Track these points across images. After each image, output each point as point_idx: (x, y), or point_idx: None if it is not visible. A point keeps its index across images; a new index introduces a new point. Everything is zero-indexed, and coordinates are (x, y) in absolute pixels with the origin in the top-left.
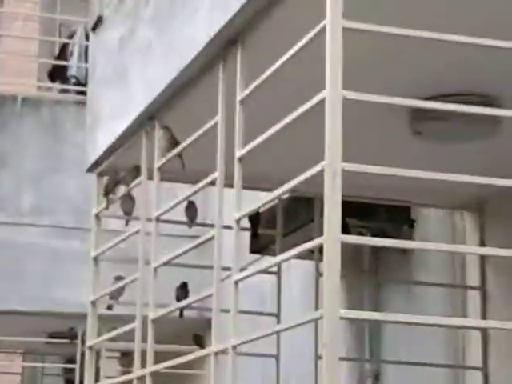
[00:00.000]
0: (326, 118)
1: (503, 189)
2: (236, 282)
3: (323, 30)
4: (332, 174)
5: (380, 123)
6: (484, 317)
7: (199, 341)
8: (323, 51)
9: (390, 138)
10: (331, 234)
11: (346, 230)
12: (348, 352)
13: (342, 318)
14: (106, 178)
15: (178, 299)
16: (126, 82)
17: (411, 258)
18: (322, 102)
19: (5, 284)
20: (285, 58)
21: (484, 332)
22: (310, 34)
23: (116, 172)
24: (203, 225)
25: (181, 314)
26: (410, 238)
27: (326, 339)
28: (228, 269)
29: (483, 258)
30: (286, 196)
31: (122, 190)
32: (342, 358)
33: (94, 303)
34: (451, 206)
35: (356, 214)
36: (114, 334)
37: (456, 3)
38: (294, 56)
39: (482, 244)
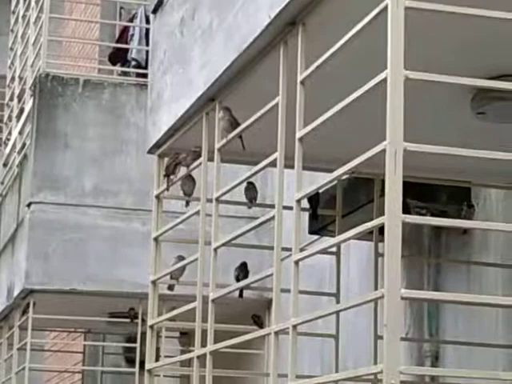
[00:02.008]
0: (388, 97)
1: None
2: (296, 262)
3: (385, 9)
4: (394, 153)
5: (443, 104)
6: None
7: (258, 321)
8: (385, 31)
9: (452, 119)
10: (392, 214)
11: (406, 210)
12: (408, 332)
13: (402, 298)
14: (166, 160)
15: (238, 279)
16: (187, 64)
17: (471, 239)
18: (383, 81)
19: (67, 264)
20: (347, 37)
21: None
22: (372, 14)
23: (177, 153)
24: (263, 205)
25: (240, 294)
26: (470, 218)
27: (386, 319)
28: (287, 249)
29: None
30: (346, 177)
31: (182, 171)
32: (402, 338)
33: (154, 283)
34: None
35: (416, 194)
36: (174, 313)
37: None
38: (356, 36)
39: None
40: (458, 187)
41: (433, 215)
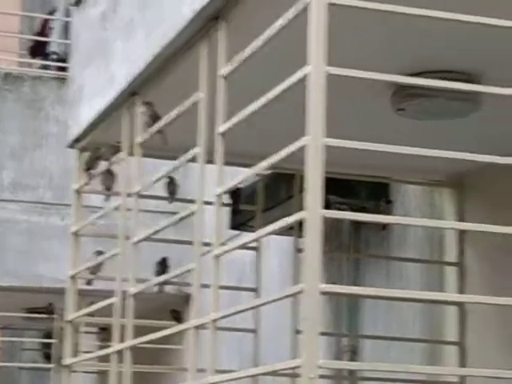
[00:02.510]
0: (309, 93)
1: (482, 165)
2: (216, 257)
3: (308, 5)
4: (314, 149)
5: (363, 100)
6: (461, 292)
7: (177, 316)
8: (307, 27)
9: (372, 115)
10: (313, 209)
11: (326, 206)
12: (326, 327)
13: (322, 293)
14: (86, 154)
15: (158, 274)
16: (108, 58)
17: (390, 234)
18: (305, 77)
19: None
20: (269, 33)
21: (461, 307)
22: (295, 10)
23: (97, 148)
24: (184, 200)
25: (160, 290)
26: (389, 214)
27: (305, 313)
28: (208, 244)
29: (461, 234)
30: (267, 172)
31: (102, 165)
32: (321, 333)
33: (73, 278)
34: (430, 183)
35: (336, 190)
36: (92, 308)
37: None
38: (279, 31)
39: (461, 220)
40: (378, 183)
41: (352, 211)
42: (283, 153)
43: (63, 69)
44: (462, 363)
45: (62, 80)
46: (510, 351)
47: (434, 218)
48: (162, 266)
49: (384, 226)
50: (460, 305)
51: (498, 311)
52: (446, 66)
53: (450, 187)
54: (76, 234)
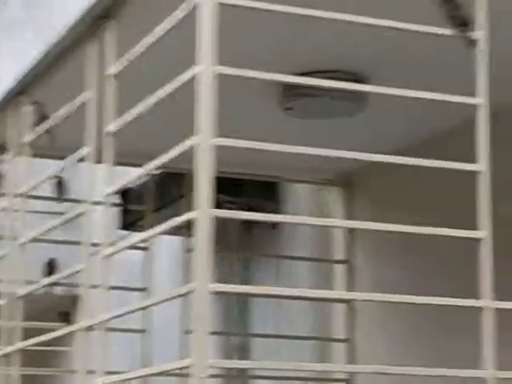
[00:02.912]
0: (199, 93)
1: (369, 164)
2: (105, 257)
3: (197, 4)
4: (204, 148)
5: (252, 99)
6: (350, 290)
7: (66, 318)
8: (197, 26)
9: (261, 114)
10: (202, 209)
11: (216, 205)
12: (217, 326)
13: (212, 292)
14: None
15: (46, 276)
16: None
17: (280, 233)
18: (194, 76)
19: None
20: (158, 31)
21: (350, 305)
22: (184, 8)
23: None
24: (73, 200)
25: (49, 291)
26: (278, 213)
27: (195, 313)
28: (97, 245)
29: (350, 232)
30: (157, 172)
31: None
32: (211, 332)
33: None
34: (319, 182)
35: (225, 189)
36: None
37: None
38: (168, 30)
39: (349, 218)
40: (267, 182)
41: (242, 210)
42: (173, 152)
43: None
44: (352, 360)
45: None
46: (398, 347)
47: (323, 216)
48: (50, 267)
49: (274, 225)
50: (349, 302)
51: (386, 308)
52: (334, 65)
53: (339, 186)
54: None
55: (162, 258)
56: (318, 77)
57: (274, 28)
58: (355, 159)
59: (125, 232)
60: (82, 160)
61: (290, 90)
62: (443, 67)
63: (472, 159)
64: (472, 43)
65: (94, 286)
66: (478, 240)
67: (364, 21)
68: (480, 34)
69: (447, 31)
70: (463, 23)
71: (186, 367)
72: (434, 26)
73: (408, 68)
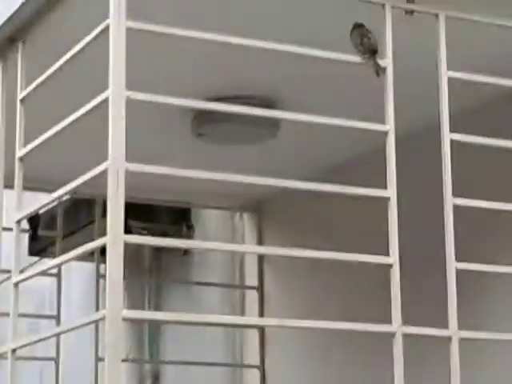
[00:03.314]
0: (110, 118)
1: (280, 190)
2: (15, 285)
3: (106, 29)
4: (115, 173)
5: (165, 124)
6: (261, 316)
7: None
8: (108, 50)
9: (173, 140)
10: (114, 234)
11: (128, 231)
12: (129, 353)
13: (124, 319)
14: None
15: None
16: None
17: (192, 259)
18: (105, 101)
19: None
20: (67, 56)
21: (261, 331)
22: (94, 33)
23: None
24: None
25: None
26: (190, 239)
27: (108, 340)
28: (7, 271)
29: (261, 259)
30: (68, 197)
31: None
32: (123, 360)
33: None
34: (231, 208)
35: (137, 215)
36: None
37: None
38: (78, 55)
39: (260, 244)
40: (179, 208)
41: (154, 236)
42: (85, 177)
43: None
44: None
45: None
46: (307, 371)
47: (235, 242)
48: None
49: (185, 251)
50: (260, 328)
51: (296, 333)
52: (246, 91)
53: (250, 212)
54: None
55: (73, 284)
56: (230, 102)
57: (185, 53)
58: (266, 185)
59: (35, 258)
60: None
61: (201, 115)
62: (354, 93)
63: (381, 185)
64: (380, 70)
65: (4, 314)
66: (387, 265)
67: (275, 47)
68: (387, 61)
69: (357, 58)
70: (371, 51)
71: None
72: (344, 54)
73: (319, 94)
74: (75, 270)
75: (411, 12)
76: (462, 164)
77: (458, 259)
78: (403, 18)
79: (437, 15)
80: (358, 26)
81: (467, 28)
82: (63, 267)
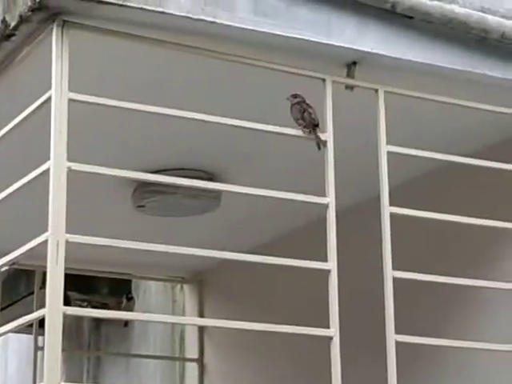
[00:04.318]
0: (50, 188)
1: (220, 261)
2: None
3: (49, 100)
4: (56, 244)
5: (106, 195)
6: None
7: None
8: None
9: (116, 211)
10: (53, 306)
11: (67, 302)
12: None
13: None
14: None
15: None
16: None
17: (131, 331)
18: (46, 172)
19: None
20: (9, 126)
21: None
22: (36, 104)
23: None
24: None
25: None
26: (130, 310)
27: None
28: None
29: (202, 331)
30: (6, 268)
31: None
32: None
33: None
34: (171, 279)
35: (77, 287)
36: None
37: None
38: (20, 125)
39: (201, 316)
40: (119, 279)
41: (93, 307)
42: (24, 248)
43: None
44: None
45: None
46: None
47: (175, 314)
48: None
49: (126, 323)
50: None
51: None
52: (188, 163)
53: (191, 283)
54: None
55: (10, 356)
56: (171, 174)
57: (126, 125)
58: (207, 256)
59: None
60: None
61: (142, 187)
62: (295, 166)
63: (322, 257)
64: (321, 143)
65: None
66: (328, 338)
67: (218, 120)
68: (328, 135)
69: (298, 132)
70: (312, 125)
71: None
72: (287, 127)
73: (261, 167)
74: (13, 342)
75: (351, 87)
76: (402, 234)
77: (397, 331)
78: (344, 93)
79: (376, 90)
80: (299, 102)
81: (407, 104)
82: (0, 339)
